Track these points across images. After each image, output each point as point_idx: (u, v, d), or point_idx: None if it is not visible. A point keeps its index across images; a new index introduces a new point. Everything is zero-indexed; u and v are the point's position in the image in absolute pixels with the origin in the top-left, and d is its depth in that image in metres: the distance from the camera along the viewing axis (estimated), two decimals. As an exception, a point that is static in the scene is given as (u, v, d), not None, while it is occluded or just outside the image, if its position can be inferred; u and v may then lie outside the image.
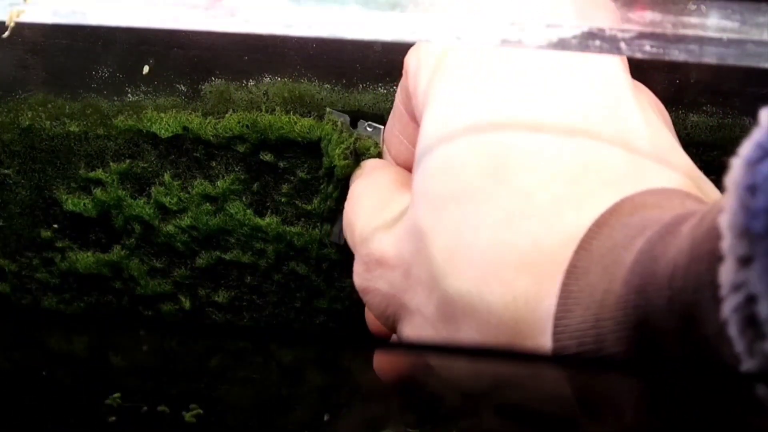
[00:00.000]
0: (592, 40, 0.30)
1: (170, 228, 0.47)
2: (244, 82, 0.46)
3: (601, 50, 0.30)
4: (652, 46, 0.30)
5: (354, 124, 0.45)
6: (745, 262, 0.23)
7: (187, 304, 0.49)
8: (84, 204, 0.48)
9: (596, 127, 0.32)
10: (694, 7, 0.30)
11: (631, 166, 0.32)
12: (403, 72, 0.39)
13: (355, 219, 0.40)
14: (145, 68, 0.47)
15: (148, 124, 0.46)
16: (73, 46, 0.46)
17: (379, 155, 0.44)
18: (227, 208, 0.47)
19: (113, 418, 0.35)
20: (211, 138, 0.46)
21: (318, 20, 0.31)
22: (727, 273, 0.23)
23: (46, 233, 0.48)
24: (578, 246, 0.30)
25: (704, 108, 0.45)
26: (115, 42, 0.46)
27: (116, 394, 0.34)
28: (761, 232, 0.22)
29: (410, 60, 0.38)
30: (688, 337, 0.25)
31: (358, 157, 0.44)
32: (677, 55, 0.30)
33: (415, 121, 0.39)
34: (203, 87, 0.47)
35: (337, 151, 0.44)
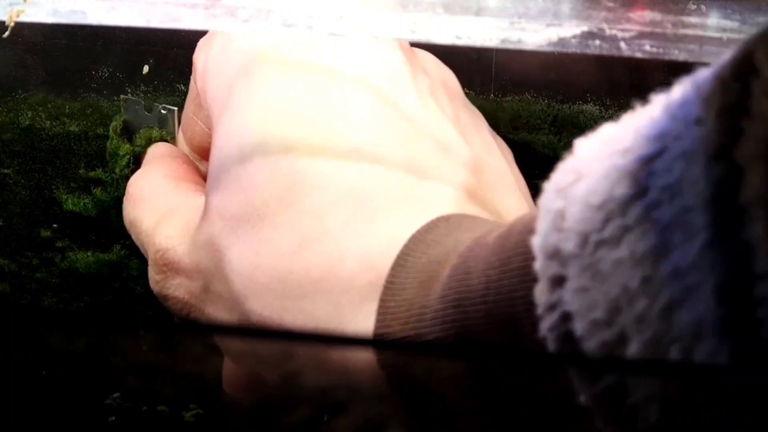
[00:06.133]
0: (592, 40, 0.30)
1: (170, 228, 0.47)
2: (244, 82, 0.46)
3: (600, 50, 0.30)
4: (652, 46, 0.30)
5: (150, 109, 0.45)
6: (558, 282, 0.23)
7: (187, 304, 0.49)
8: (84, 204, 0.48)
9: (381, 138, 0.33)
10: (694, 7, 0.30)
11: (416, 177, 0.32)
12: (193, 67, 0.39)
13: (140, 219, 0.39)
14: (145, 68, 0.47)
15: (148, 124, 0.46)
16: (73, 46, 0.46)
17: (172, 140, 0.45)
18: (227, 208, 0.47)
19: (113, 418, 0.35)
20: (211, 138, 0.46)
21: (318, 20, 0.31)
22: (541, 293, 0.24)
23: (46, 233, 0.48)
24: (395, 262, 0.30)
25: (704, 108, 0.45)
26: (115, 42, 0.46)
27: (116, 394, 0.34)
28: (573, 252, 0.23)
29: (198, 58, 0.38)
30: (511, 347, 0.26)
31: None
32: (677, 55, 0.30)
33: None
34: (203, 87, 0.47)
35: (117, 169, 0.45)
